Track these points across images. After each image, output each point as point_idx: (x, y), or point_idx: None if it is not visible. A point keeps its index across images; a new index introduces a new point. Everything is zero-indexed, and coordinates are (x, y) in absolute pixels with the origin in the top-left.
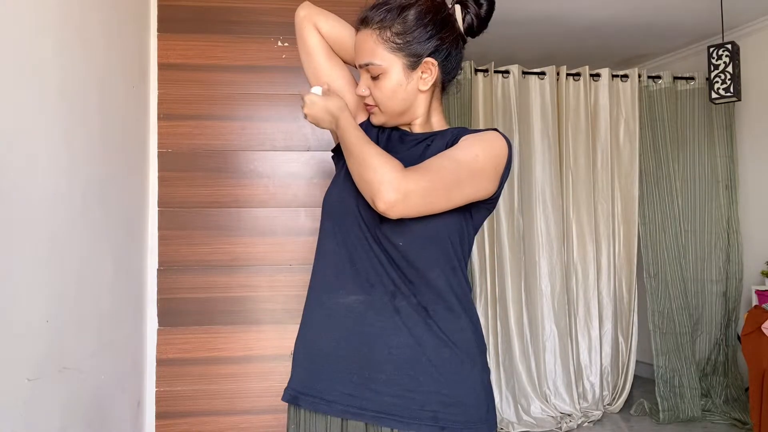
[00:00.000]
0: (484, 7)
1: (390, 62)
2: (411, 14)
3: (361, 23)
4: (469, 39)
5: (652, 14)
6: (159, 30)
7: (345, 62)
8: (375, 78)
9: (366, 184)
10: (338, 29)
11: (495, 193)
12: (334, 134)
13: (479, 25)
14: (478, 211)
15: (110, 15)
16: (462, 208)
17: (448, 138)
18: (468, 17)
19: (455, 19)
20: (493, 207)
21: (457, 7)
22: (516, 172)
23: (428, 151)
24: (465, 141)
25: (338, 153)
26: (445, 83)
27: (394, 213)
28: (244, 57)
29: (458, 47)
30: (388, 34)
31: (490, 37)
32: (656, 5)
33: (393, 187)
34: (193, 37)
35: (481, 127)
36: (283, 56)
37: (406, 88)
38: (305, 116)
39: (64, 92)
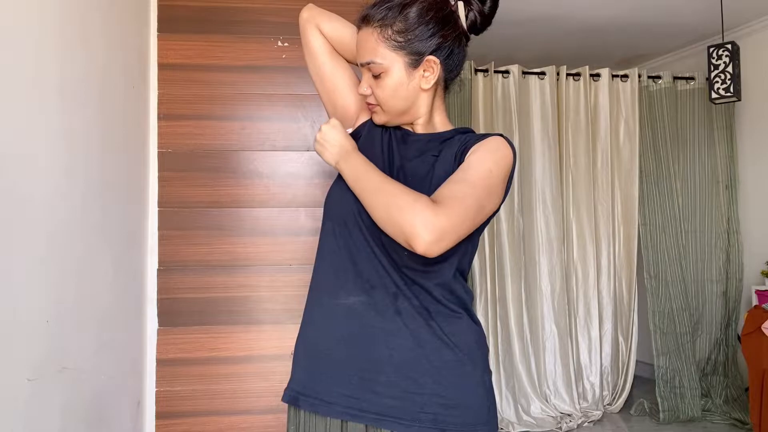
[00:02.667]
0: (488, 4)
1: (391, 61)
2: (412, 12)
3: (362, 21)
4: (470, 37)
5: (652, 14)
6: (159, 30)
7: (349, 62)
8: (376, 77)
9: (398, 229)
10: (341, 30)
11: (501, 201)
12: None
13: (483, 22)
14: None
15: (110, 15)
16: None
17: (456, 148)
18: (471, 14)
19: (458, 17)
20: (496, 212)
21: (460, 5)
22: (516, 172)
23: (437, 165)
24: (475, 156)
25: None
26: (447, 81)
27: (432, 253)
28: (244, 57)
29: (461, 45)
30: (389, 32)
31: (490, 37)
32: (656, 5)
33: (428, 229)
34: (193, 37)
35: (481, 128)
36: (283, 56)
37: (408, 87)
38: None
39: (64, 92)
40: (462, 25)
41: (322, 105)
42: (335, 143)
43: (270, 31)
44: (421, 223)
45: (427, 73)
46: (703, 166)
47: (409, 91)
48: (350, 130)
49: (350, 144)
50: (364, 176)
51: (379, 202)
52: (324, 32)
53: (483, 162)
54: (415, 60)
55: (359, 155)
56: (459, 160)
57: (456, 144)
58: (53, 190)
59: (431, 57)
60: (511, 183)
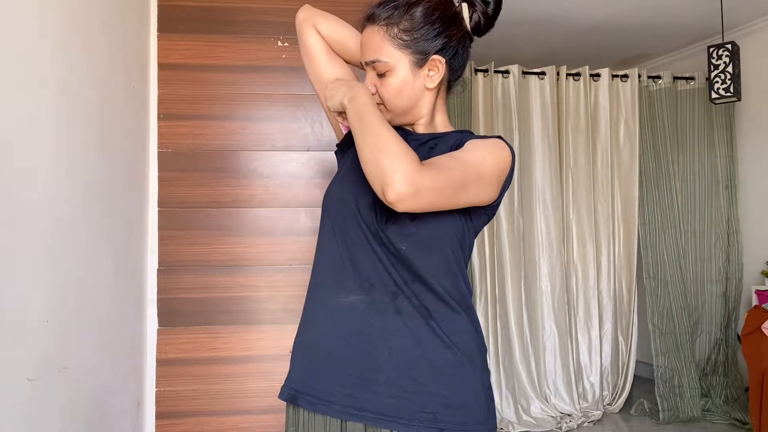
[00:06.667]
0: (491, 6)
1: (397, 59)
2: (418, 11)
3: (368, 20)
4: (473, 39)
5: (652, 14)
6: (159, 30)
7: (346, 62)
8: (381, 75)
9: (379, 171)
10: (337, 30)
11: (496, 200)
12: (338, 129)
13: (486, 23)
14: (478, 216)
15: (110, 15)
16: (463, 214)
17: (452, 142)
18: (475, 16)
19: (462, 18)
20: (494, 214)
21: (464, 6)
22: (516, 172)
23: (432, 153)
24: (471, 144)
25: (342, 150)
26: (451, 82)
27: (402, 206)
28: (244, 57)
29: (465, 46)
30: (395, 30)
31: (490, 37)
32: (656, 5)
33: (407, 180)
34: (193, 37)
35: (481, 128)
36: (283, 56)
37: (413, 86)
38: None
39: (64, 92)
40: (466, 26)
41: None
42: (343, 84)
43: (270, 31)
44: (402, 172)
45: (432, 73)
46: (703, 166)
47: (414, 90)
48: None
49: (358, 83)
50: (366, 115)
51: (371, 142)
52: (321, 32)
53: (478, 150)
54: (421, 59)
55: (368, 96)
56: (454, 150)
57: (453, 138)
58: (53, 190)
59: (437, 56)
60: (508, 184)
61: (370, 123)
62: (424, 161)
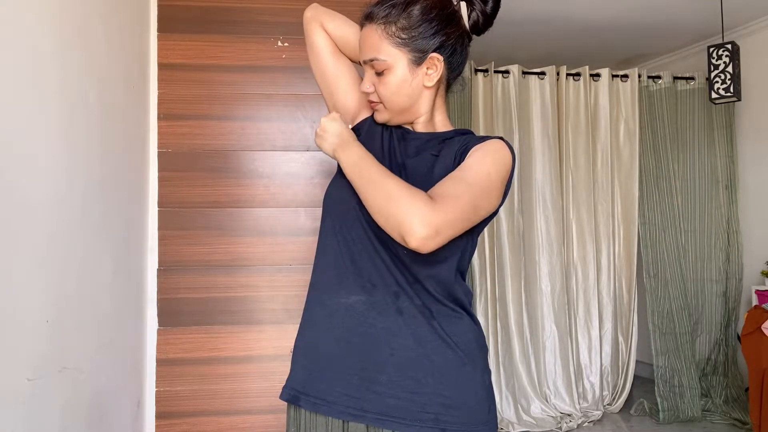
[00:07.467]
0: (490, 4)
1: (395, 57)
2: (416, 9)
3: (366, 19)
4: (472, 38)
5: (652, 14)
6: (159, 30)
7: (352, 61)
8: (379, 74)
9: (393, 220)
10: (344, 28)
11: (500, 204)
12: None
13: (485, 22)
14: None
15: (110, 15)
16: None
17: (456, 148)
18: (474, 14)
19: (460, 16)
20: (495, 214)
21: (463, 5)
22: (516, 172)
23: (437, 165)
24: (474, 157)
25: None
26: (450, 80)
27: (426, 249)
28: (244, 57)
29: (463, 44)
30: (393, 29)
31: (490, 37)
32: (656, 5)
33: (424, 223)
34: (193, 37)
35: (481, 128)
36: (283, 56)
37: (411, 84)
38: (315, 137)
39: (64, 92)
40: (464, 25)
41: (322, 105)
42: (334, 133)
43: (270, 31)
44: (417, 217)
45: (430, 71)
46: (703, 166)
47: (412, 88)
48: (350, 127)
49: (349, 134)
50: (362, 165)
51: (376, 194)
52: (327, 30)
53: (482, 163)
54: (419, 57)
55: (358, 145)
56: (459, 160)
57: (456, 144)
58: (53, 190)
59: (435, 54)
60: (510, 186)
61: (369, 173)
62: (432, 192)
